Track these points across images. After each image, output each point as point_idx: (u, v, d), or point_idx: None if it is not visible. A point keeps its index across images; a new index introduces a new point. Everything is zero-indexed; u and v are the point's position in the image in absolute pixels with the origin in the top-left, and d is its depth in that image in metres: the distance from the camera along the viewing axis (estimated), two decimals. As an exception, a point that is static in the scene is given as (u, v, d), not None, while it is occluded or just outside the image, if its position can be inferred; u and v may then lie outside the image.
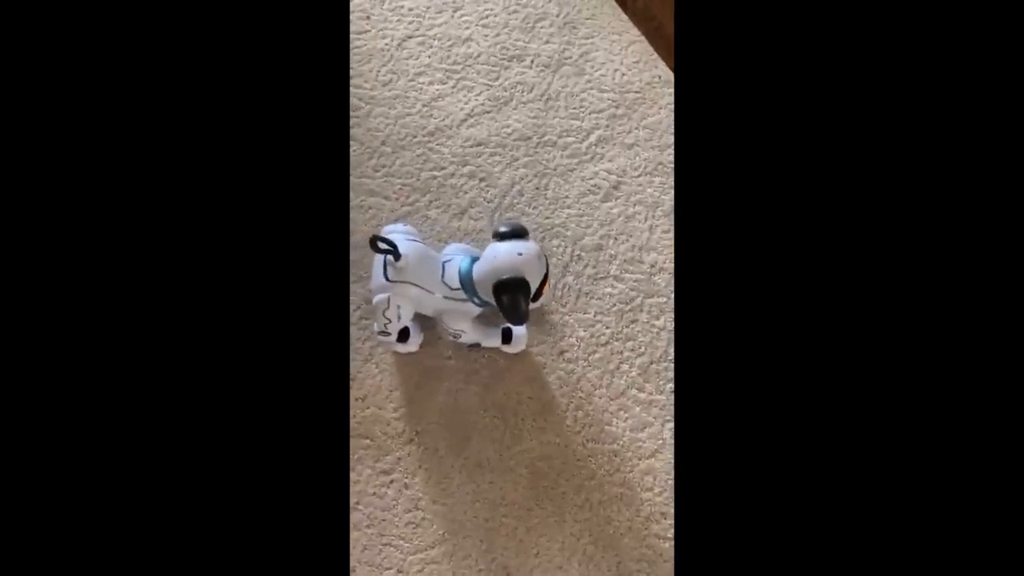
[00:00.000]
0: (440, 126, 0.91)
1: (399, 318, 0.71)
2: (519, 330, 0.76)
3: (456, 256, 0.72)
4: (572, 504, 0.69)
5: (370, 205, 0.85)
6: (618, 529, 0.69)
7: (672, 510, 0.69)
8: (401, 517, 0.69)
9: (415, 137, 0.90)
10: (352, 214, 0.84)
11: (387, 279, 0.69)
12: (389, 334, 0.72)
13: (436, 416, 0.74)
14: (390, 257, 0.69)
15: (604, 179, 0.88)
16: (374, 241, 0.68)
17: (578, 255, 0.83)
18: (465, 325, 0.73)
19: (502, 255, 0.68)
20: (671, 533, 0.69)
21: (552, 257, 0.82)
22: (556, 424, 0.74)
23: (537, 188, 0.87)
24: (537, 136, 0.91)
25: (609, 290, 0.81)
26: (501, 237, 0.70)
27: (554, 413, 0.74)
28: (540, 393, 0.75)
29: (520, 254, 0.68)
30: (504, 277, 0.67)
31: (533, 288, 0.68)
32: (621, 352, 0.78)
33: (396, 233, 0.74)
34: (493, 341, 0.75)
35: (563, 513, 0.69)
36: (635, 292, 0.81)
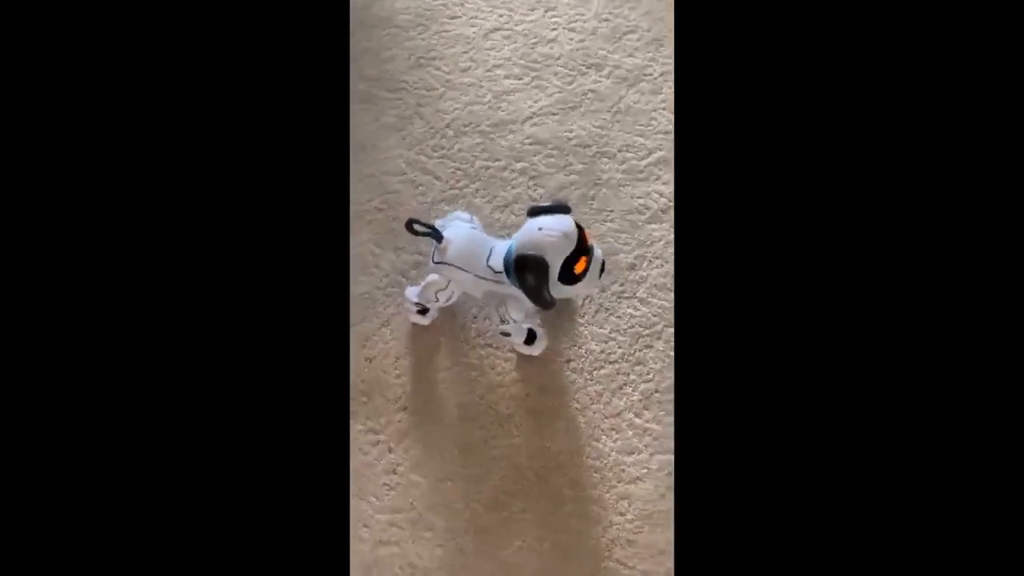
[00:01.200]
0: (505, 119, 0.93)
1: (437, 300, 0.74)
2: (540, 332, 0.76)
3: (504, 242, 0.71)
4: (543, 507, 0.70)
5: (421, 183, 0.89)
6: (582, 544, 0.68)
7: (640, 539, 0.68)
8: (379, 477, 0.73)
9: (478, 126, 0.93)
10: (403, 187, 0.89)
11: (433, 261, 0.73)
12: (425, 311, 0.77)
13: (435, 393, 0.77)
14: (435, 241, 0.72)
15: (655, 200, 0.87)
16: (410, 224, 0.72)
17: (609, 269, 0.82)
18: (520, 315, 0.71)
19: (524, 230, 0.66)
20: (633, 562, 0.68)
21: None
22: (546, 428, 0.74)
23: (584, 196, 0.87)
24: (597, 146, 0.91)
25: (631, 311, 0.80)
26: (534, 213, 0.68)
27: (547, 417, 0.75)
28: (538, 395, 0.76)
29: (540, 228, 0.65)
30: (521, 253, 0.64)
31: (555, 267, 0.64)
32: (628, 374, 0.77)
33: (457, 220, 0.77)
34: (517, 338, 0.76)
35: (532, 513, 0.70)
36: (657, 319, 0.79)
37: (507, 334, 0.76)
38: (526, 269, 0.65)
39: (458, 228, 0.74)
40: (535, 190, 0.88)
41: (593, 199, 0.87)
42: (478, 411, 0.76)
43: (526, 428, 0.74)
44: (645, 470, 0.72)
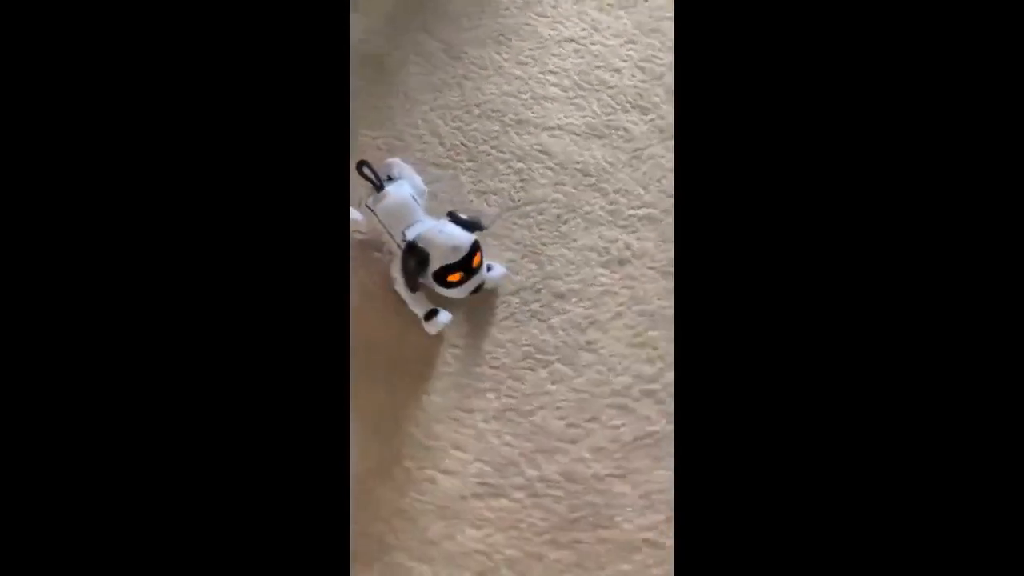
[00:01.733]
0: (529, 119, 0.96)
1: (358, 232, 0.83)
2: (443, 317, 0.80)
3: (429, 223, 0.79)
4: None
5: (426, 141, 0.95)
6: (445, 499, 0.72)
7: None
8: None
9: (503, 116, 0.96)
10: (408, 138, 0.94)
11: (364, 203, 0.81)
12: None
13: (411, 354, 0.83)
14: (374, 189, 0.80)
15: (619, 249, 0.86)
16: (360, 166, 0.80)
17: (539, 288, 0.84)
18: (399, 275, 0.79)
19: (432, 225, 0.77)
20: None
21: (519, 275, 0.84)
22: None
23: (557, 217, 0.88)
24: (598, 179, 0.91)
25: (532, 331, 0.81)
26: (451, 216, 0.78)
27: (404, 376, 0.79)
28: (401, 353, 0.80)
29: (441, 232, 0.76)
30: (414, 241, 0.76)
31: (433, 266, 0.75)
32: (499, 383, 0.78)
33: (406, 183, 0.83)
34: (418, 309, 0.81)
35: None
36: (548, 351, 0.79)
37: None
38: (411, 255, 0.76)
39: (400, 189, 0.81)
40: (518, 192, 0.91)
41: (564, 223, 0.88)
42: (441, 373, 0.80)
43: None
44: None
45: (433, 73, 1.01)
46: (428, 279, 0.78)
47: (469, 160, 0.93)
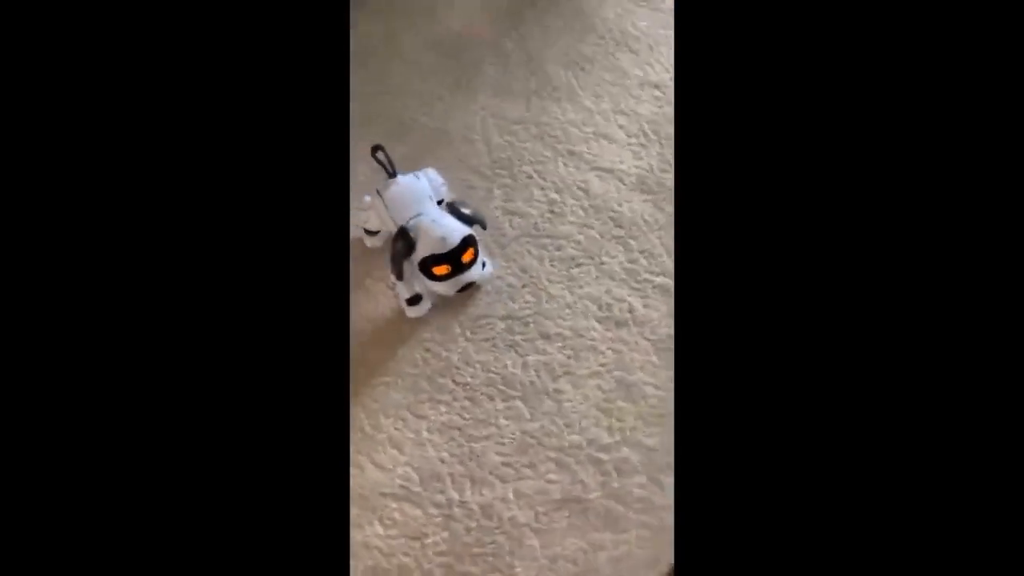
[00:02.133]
0: (582, 153, 0.95)
1: (367, 224, 0.84)
2: (425, 305, 0.82)
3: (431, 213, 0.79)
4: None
5: (473, 143, 0.96)
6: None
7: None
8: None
9: (557, 143, 0.96)
10: (460, 130, 0.96)
11: (376, 188, 0.82)
12: (369, 233, 0.86)
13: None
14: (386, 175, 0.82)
15: (621, 310, 0.84)
16: (375, 150, 0.80)
17: (528, 322, 0.83)
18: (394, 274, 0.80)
19: (429, 211, 0.77)
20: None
21: (502, 293, 0.84)
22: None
23: (572, 257, 0.87)
24: (628, 233, 0.89)
25: (507, 360, 0.80)
26: (450, 207, 0.78)
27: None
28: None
29: (434, 221, 0.75)
30: (405, 226, 0.76)
31: (419, 255, 0.74)
32: (450, 394, 0.79)
33: (424, 176, 0.83)
34: (403, 292, 0.82)
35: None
36: (514, 386, 0.79)
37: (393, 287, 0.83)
38: (399, 239, 0.76)
39: (412, 179, 0.81)
40: (545, 224, 0.90)
41: (577, 266, 0.87)
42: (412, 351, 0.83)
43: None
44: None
45: (505, 78, 1.01)
46: (415, 268, 0.77)
47: (509, 176, 0.94)
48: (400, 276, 0.79)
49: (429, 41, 1.06)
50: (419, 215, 0.78)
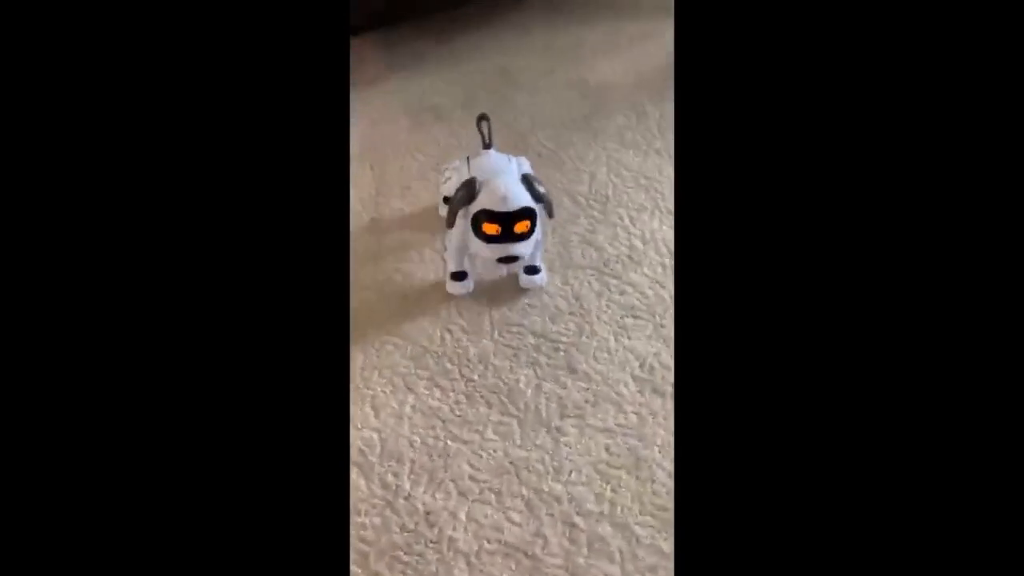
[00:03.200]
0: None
1: (446, 188, 0.85)
2: (467, 284, 0.79)
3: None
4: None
5: (579, 175, 0.95)
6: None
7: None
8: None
9: (661, 199, 0.92)
10: (578, 163, 0.96)
11: (467, 156, 0.85)
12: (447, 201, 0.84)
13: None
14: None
15: (663, 377, 0.73)
16: (480, 119, 0.85)
17: (560, 349, 0.75)
18: (451, 249, 0.79)
19: (504, 169, 0.78)
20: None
21: (546, 311, 0.77)
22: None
23: (632, 308, 0.79)
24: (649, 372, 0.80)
25: (520, 376, 0.72)
26: (525, 180, 0.74)
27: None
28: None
29: (504, 183, 0.72)
30: (474, 176, 0.74)
31: (476, 206, 0.72)
32: (431, 371, 0.72)
33: (520, 162, 0.85)
34: (451, 263, 0.80)
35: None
36: (516, 405, 0.70)
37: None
38: (464, 188, 0.74)
39: (504, 156, 0.83)
40: (617, 263, 0.84)
41: (633, 317, 0.78)
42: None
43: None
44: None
45: (632, 132, 1.01)
46: (468, 222, 0.74)
47: (600, 211, 0.91)
48: (451, 223, 0.76)
49: (576, 82, 1.11)
50: (505, 181, 0.76)
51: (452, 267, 0.79)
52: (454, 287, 0.78)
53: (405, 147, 1.00)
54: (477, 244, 0.74)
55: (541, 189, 0.75)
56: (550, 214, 0.78)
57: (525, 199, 0.72)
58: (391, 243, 0.87)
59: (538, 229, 0.76)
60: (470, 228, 0.74)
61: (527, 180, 0.75)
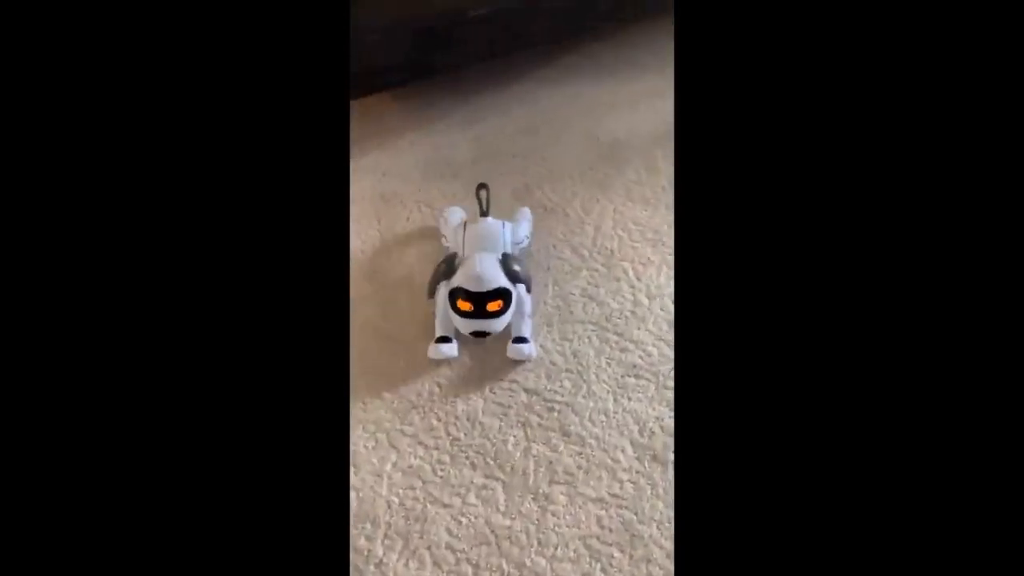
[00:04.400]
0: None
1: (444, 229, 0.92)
2: (449, 350, 0.77)
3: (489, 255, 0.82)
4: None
5: (583, 227, 0.93)
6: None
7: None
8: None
9: (668, 252, 0.88)
10: (579, 215, 0.94)
11: (465, 220, 0.91)
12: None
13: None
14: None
15: (659, 439, 0.67)
16: (479, 188, 0.91)
17: (554, 409, 0.71)
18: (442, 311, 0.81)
19: (481, 256, 0.80)
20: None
21: (540, 368, 0.73)
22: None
23: (634, 367, 0.75)
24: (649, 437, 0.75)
25: (509, 437, 0.68)
26: (504, 261, 0.80)
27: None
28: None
29: (482, 263, 0.78)
30: (455, 252, 0.83)
31: (453, 283, 0.77)
32: (415, 416, 0.68)
33: (519, 228, 0.90)
34: (438, 328, 0.79)
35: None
36: (501, 467, 0.65)
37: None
38: (445, 262, 0.81)
39: (497, 225, 0.87)
40: (620, 319, 0.80)
41: (635, 377, 0.74)
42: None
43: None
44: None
45: (641, 186, 1.00)
46: (445, 297, 0.78)
47: (603, 264, 0.88)
48: (432, 294, 0.81)
49: (588, 137, 1.11)
50: (477, 253, 0.81)
51: (438, 332, 0.78)
52: (435, 351, 0.77)
53: (414, 200, 1.01)
54: (453, 316, 0.77)
55: (518, 268, 0.80)
56: (528, 290, 0.81)
57: (500, 280, 0.76)
58: (389, 294, 0.87)
59: (525, 302, 0.80)
60: (451, 311, 0.78)
61: (506, 261, 0.80)
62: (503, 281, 0.76)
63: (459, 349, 0.77)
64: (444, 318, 0.78)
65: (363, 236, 0.96)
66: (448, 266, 0.80)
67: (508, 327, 0.78)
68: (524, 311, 0.79)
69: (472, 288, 0.75)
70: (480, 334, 0.76)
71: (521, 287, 0.79)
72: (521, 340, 0.76)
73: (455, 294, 0.76)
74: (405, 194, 1.03)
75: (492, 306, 0.75)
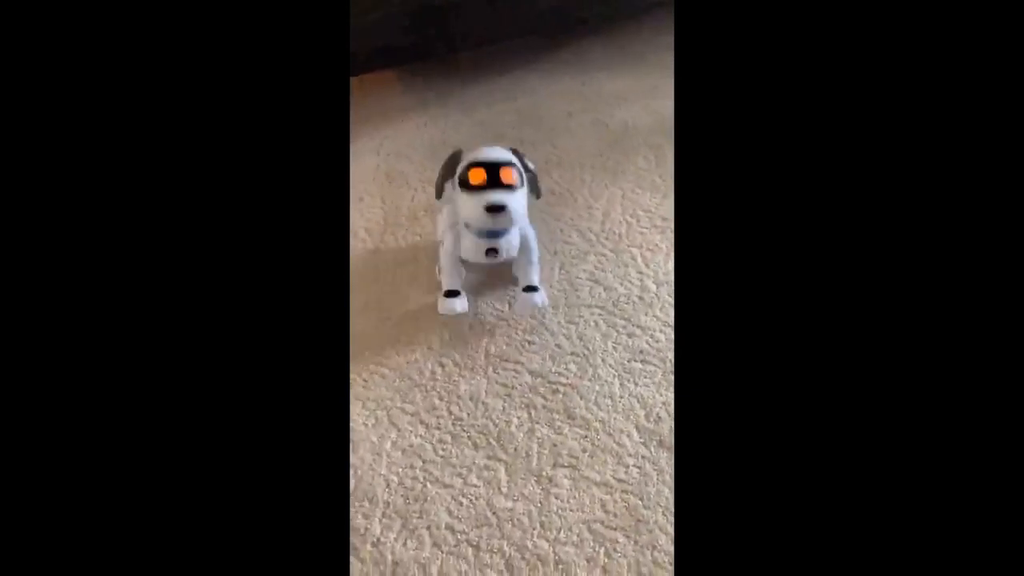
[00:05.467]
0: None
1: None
2: (458, 304, 0.76)
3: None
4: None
5: (592, 212, 0.91)
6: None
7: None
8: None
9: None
10: (587, 201, 0.93)
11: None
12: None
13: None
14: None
15: (666, 424, 0.66)
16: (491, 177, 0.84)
17: (558, 390, 0.69)
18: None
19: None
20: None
21: (545, 349, 0.72)
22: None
23: (634, 349, 0.73)
24: (656, 422, 0.73)
25: (513, 418, 0.66)
26: (515, 152, 0.75)
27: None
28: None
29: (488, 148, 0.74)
30: (458, 152, 0.75)
31: (461, 164, 0.73)
32: (415, 393, 0.66)
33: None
34: (445, 281, 0.78)
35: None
36: (504, 448, 0.64)
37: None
38: (451, 158, 0.75)
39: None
40: (627, 304, 0.79)
41: (641, 360, 0.73)
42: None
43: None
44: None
45: (650, 173, 0.98)
46: (457, 231, 0.75)
47: (611, 249, 0.86)
48: (439, 194, 0.76)
49: (596, 124, 1.10)
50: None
51: (446, 285, 0.76)
52: (446, 305, 0.75)
53: (419, 180, 0.99)
54: (466, 203, 0.72)
55: (530, 164, 0.77)
56: (536, 193, 0.79)
57: (510, 157, 0.74)
58: (393, 272, 0.85)
59: (532, 248, 0.78)
60: (459, 232, 0.75)
61: (516, 152, 0.77)
62: (514, 159, 0.73)
63: (469, 302, 0.77)
64: (453, 265, 0.76)
65: (367, 215, 0.95)
66: (453, 160, 0.74)
67: (515, 300, 0.76)
68: (532, 258, 0.77)
69: (484, 157, 0.71)
70: (495, 209, 0.70)
71: (530, 232, 0.77)
72: (531, 289, 0.75)
73: (466, 170, 0.71)
74: (410, 173, 1.01)
75: (505, 174, 0.70)
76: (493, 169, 0.71)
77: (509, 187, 0.71)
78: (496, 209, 0.70)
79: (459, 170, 0.73)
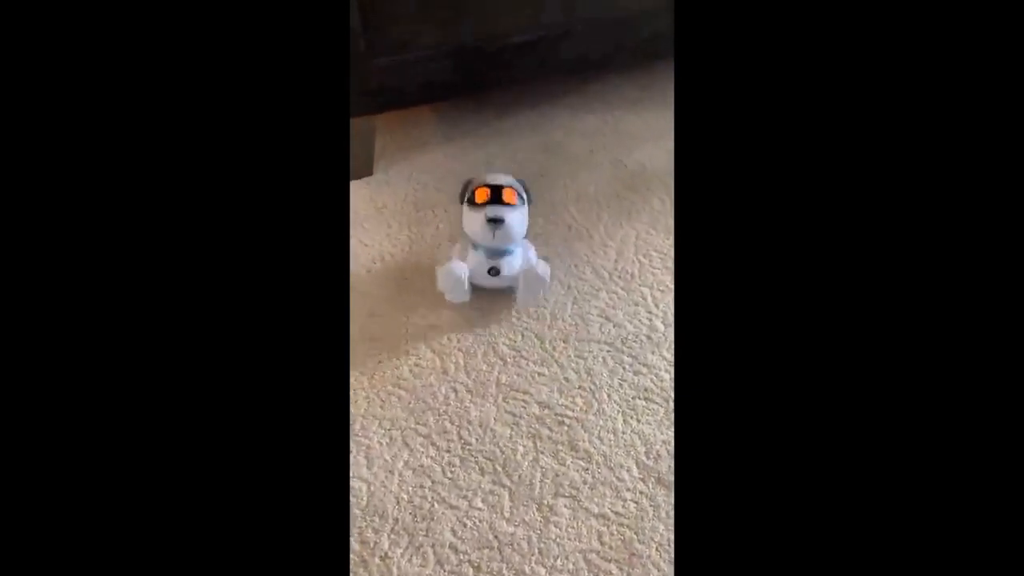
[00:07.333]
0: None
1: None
2: (461, 293, 0.86)
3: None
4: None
5: (607, 251, 0.95)
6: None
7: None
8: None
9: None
10: (602, 240, 0.97)
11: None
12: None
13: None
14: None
15: (665, 463, 0.69)
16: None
17: (563, 422, 0.73)
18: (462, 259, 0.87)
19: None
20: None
21: (554, 382, 0.75)
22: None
23: (639, 387, 0.77)
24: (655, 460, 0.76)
25: (518, 447, 0.70)
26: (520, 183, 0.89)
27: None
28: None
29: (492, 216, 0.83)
30: (471, 180, 0.88)
31: (473, 184, 0.86)
32: (421, 418, 0.70)
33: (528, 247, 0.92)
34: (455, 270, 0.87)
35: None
36: (509, 475, 0.67)
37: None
38: (464, 185, 0.88)
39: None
40: (635, 342, 0.82)
41: (645, 398, 0.76)
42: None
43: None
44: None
45: (666, 215, 1.02)
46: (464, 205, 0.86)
47: (623, 288, 0.90)
48: (463, 199, 0.88)
49: (616, 162, 1.14)
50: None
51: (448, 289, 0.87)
52: (453, 292, 0.86)
53: (444, 210, 1.05)
54: (470, 219, 0.83)
55: (529, 194, 0.89)
56: (528, 200, 0.88)
57: (513, 181, 0.87)
58: (414, 297, 0.90)
59: (526, 247, 0.88)
60: (468, 246, 0.86)
61: (522, 183, 0.89)
62: (519, 187, 0.86)
63: (470, 293, 0.86)
64: (461, 259, 0.87)
65: (394, 241, 1.00)
66: (467, 187, 0.87)
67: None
68: (526, 249, 0.89)
69: (490, 180, 0.85)
70: (495, 222, 0.81)
71: (532, 253, 0.88)
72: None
73: (474, 189, 0.84)
74: (437, 203, 1.06)
75: (507, 194, 0.83)
76: (497, 189, 0.84)
77: (509, 205, 0.83)
78: (496, 222, 0.81)
79: (468, 191, 0.86)
